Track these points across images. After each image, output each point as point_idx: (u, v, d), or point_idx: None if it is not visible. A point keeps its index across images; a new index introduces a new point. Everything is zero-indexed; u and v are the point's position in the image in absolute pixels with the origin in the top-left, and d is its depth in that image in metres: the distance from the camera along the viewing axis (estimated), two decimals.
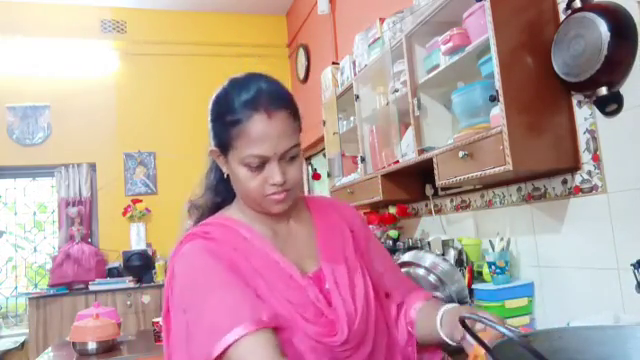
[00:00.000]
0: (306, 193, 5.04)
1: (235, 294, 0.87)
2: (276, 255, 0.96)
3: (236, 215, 1.03)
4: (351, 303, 0.97)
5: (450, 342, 0.96)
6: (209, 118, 1.00)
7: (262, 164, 0.93)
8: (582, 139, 1.62)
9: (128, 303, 4.25)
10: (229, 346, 0.80)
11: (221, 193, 1.07)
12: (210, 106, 1.00)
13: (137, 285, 4.35)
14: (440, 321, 0.98)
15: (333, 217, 1.10)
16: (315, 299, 0.93)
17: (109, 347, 2.32)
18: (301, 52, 4.89)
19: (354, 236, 1.08)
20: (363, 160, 2.71)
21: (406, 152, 2.26)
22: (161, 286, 4.35)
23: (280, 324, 0.87)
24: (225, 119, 0.94)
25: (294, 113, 0.97)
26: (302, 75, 4.89)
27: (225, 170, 1.00)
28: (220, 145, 0.97)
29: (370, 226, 2.90)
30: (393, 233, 2.77)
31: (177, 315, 0.92)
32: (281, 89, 0.98)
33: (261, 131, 0.91)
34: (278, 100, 0.94)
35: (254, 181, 0.94)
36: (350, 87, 2.84)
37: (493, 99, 1.59)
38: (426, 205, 2.59)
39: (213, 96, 1.00)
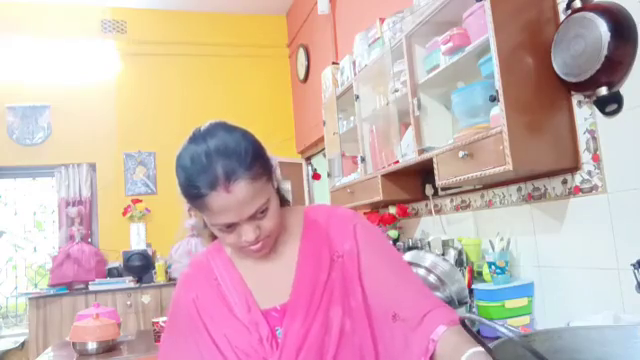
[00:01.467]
0: (306, 193, 5.04)
1: (173, 348, 1.04)
2: (237, 297, 1.01)
3: (224, 245, 1.08)
4: (302, 339, 0.95)
5: None
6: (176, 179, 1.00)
7: (232, 225, 0.94)
8: (582, 139, 1.62)
9: (128, 303, 4.25)
10: None
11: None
12: (175, 168, 0.99)
13: (137, 285, 4.35)
14: None
15: (319, 238, 1.04)
16: (258, 342, 0.96)
17: (109, 347, 2.33)
18: (301, 52, 4.89)
19: (338, 263, 1.01)
20: (363, 160, 2.71)
21: (406, 152, 2.26)
22: (161, 286, 4.36)
23: None
24: (189, 192, 0.94)
25: (257, 173, 0.93)
26: (302, 75, 4.89)
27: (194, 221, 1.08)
28: (191, 205, 0.97)
29: None
30: (393, 233, 2.77)
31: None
32: (240, 152, 0.92)
33: (222, 206, 0.91)
34: (236, 171, 0.90)
35: (229, 238, 0.97)
36: (350, 87, 2.84)
37: (493, 99, 1.59)
38: (426, 205, 2.59)
39: (177, 156, 1.00)
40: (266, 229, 0.96)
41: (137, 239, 4.67)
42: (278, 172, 1.01)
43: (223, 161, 0.91)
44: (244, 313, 0.99)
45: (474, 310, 1.86)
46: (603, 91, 1.50)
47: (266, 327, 0.97)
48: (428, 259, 1.86)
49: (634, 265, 0.74)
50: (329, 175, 3.27)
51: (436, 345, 0.88)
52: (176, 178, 0.99)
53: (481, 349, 0.78)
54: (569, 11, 1.59)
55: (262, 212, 0.95)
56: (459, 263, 2.04)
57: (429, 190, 2.49)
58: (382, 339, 0.98)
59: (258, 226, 0.95)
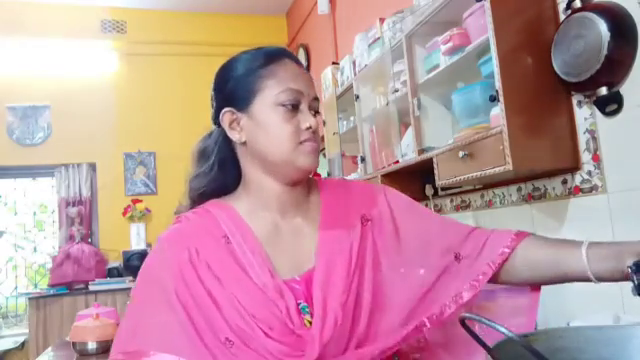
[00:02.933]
0: None
1: (152, 316, 0.84)
2: (254, 259, 0.87)
3: (237, 204, 0.94)
4: (339, 314, 0.84)
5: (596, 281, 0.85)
6: (220, 81, 0.96)
7: (296, 106, 0.89)
8: (582, 139, 1.62)
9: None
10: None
11: (221, 181, 0.97)
12: (221, 72, 0.96)
13: None
14: (586, 256, 0.83)
15: (343, 205, 0.96)
16: (285, 315, 0.82)
17: (109, 347, 2.31)
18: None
19: (367, 227, 0.94)
20: (363, 160, 2.71)
21: (406, 152, 2.26)
22: None
23: (216, 347, 0.80)
24: (252, 65, 0.91)
25: None
26: None
27: (238, 137, 0.91)
28: (240, 97, 0.90)
29: None
30: None
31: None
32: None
33: (294, 71, 0.91)
34: (299, 60, 0.96)
35: (288, 125, 0.87)
36: (350, 87, 2.84)
37: (493, 99, 1.59)
38: (426, 205, 2.59)
39: (225, 64, 0.97)
40: (319, 131, 0.92)
41: (137, 239, 4.67)
42: None
43: (285, 49, 0.96)
44: (266, 279, 0.85)
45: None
46: (603, 91, 1.50)
47: (292, 298, 0.84)
48: None
49: (631, 267, 0.73)
50: (329, 175, 3.27)
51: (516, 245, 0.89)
52: (218, 89, 0.95)
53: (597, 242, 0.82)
54: (569, 11, 1.59)
55: (316, 112, 0.92)
56: None
57: (429, 190, 2.49)
58: (440, 289, 0.91)
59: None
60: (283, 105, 0.88)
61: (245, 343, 0.81)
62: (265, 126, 0.89)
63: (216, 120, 0.96)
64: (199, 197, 0.97)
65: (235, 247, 0.88)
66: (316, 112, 0.92)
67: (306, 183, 0.97)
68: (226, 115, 0.92)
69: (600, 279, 0.84)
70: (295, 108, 0.89)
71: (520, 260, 0.90)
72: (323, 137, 3.34)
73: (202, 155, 0.98)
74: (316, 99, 0.92)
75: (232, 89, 0.92)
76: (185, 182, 0.99)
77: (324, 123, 3.29)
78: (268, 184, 0.92)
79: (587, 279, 0.85)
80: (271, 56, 0.92)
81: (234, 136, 0.92)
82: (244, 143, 0.92)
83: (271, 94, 0.88)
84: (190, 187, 0.97)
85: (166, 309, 0.83)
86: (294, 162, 0.88)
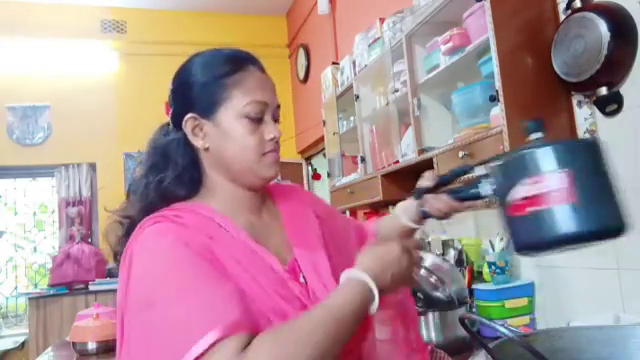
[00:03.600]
0: None
1: (212, 288, 0.74)
2: (254, 246, 0.87)
3: (207, 203, 0.92)
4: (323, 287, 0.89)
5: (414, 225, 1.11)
6: (183, 81, 0.93)
7: (260, 118, 0.90)
8: None
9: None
10: (201, 354, 0.68)
11: (187, 184, 0.93)
12: (183, 71, 0.94)
13: None
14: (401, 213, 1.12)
15: (296, 203, 1.03)
16: (299, 292, 0.85)
17: (109, 347, 2.32)
18: (301, 52, 4.89)
19: (321, 221, 1.02)
20: (363, 160, 2.71)
21: (406, 152, 2.26)
22: None
23: (260, 325, 0.76)
24: (216, 71, 0.90)
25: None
26: (302, 75, 4.89)
27: (200, 144, 0.91)
28: (204, 104, 0.89)
29: None
30: None
31: (138, 314, 0.76)
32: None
33: (259, 79, 0.92)
34: (262, 65, 0.97)
35: (253, 136, 0.89)
36: (350, 87, 2.84)
37: (493, 99, 1.59)
38: None
39: (186, 62, 0.95)
40: (279, 135, 0.93)
41: None
42: None
43: (249, 54, 0.96)
44: (271, 261, 0.86)
45: (474, 310, 1.86)
46: (603, 91, 1.50)
47: (295, 279, 0.88)
48: (428, 259, 1.86)
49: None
50: (329, 175, 3.27)
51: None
52: (180, 87, 0.93)
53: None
54: (569, 11, 1.59)
55: (276, 120, 0.94)
56: (459, 263, 2.04)
57: None
58: None
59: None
60: (248, 117, 0.89)
61: (280, 317, 0.79)
62: (230, 136, 0.89)
63: (176, 123, 0.94)
64: (161, 199, 0.91)
65: (234, 235, 0.87)
66: (276, 120, 0.95)
67: None
68: (189, 121, 0.91)
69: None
70: (260, 120, 0.90)
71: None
72: (322, 138, 3.35)
73: (164, 156, 0.95)
74: (278, 107, 0.95)
75: (196, 95, 0.91)
76: (138, 182, 0.95)
77: (324, 123, 3.29)
78: (233, 188, 0.94)
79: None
80: (237, 63, 0.92)
81: (197, 142, 0.92)
82: (207, 149, 0.92)
83: (237, 105, 0.89)
84: (152, 189, 0.92)
85: (216, 281, 0.76)
86: (257, 172, 0.91)
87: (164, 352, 0.71)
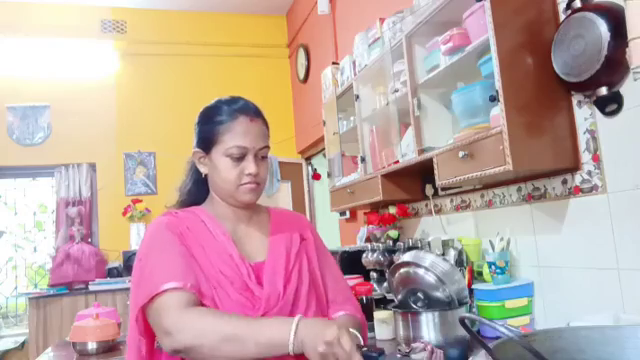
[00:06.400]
0: (306, 193, 5.04)
1: (176, 259, 1.11)
2: (225, 239, 1.18)
3: (205, 207, 1.28)
4: (280, 289, 1.16)
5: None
6: (197, 123, 1.26)
7: (242, 156, 1.18)
8: (582, 139, 1.62)
9: (128, 303, 4.24)
10: (157, 294, 1.05)
11: (194, 194, 1.31)
12: (199, 115, 1.26)
13: None
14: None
15: (287, 225, 1.31)
16: (247, 277, 1.14)
17: (109, 347, 2.32)
18: (301, 52, 4.89)
19: (304, 243, 1.29)
20: (363, 160, 2.71)
21: (406, 152, 2.26)
22: None
23: (205, 290, 1.10)
24: (215, 119, 1.21)
25: (267, 125, 1.26)
26: (302, 75, 4.89)
27: (204, 170, 1.26)
28: (205, 143, 1.22)
29: (370, 226, 2.90)
30: (393, 233, 2.77)
31: (135, 264, 1.17)
32: (259, 108, 1.26)
33: (244, 128, 1.19)
34: (257, 112, 1.24)
35: (233, 171, 1.19)
36: (350, 87, 2.84)
37: (493, 99, 1.59)
38: (426, 205, 2.59)
39: (202, 109, 1.27)
40: (262, 173, 1.22)
41: (137, 239, 4.67)
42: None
43: (249, 102, 1.25)
44: (232, 251, 1.17)
45: (474, 310, 1.86)
46: (603, 91, 1.50)
47: (250, 267, 1.16)
48: (428, 259, 1.86)
49: None
50: (329, 175, 3.27)
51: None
52: (196, 122, 1.26)
53: (346, 319, 1.23)
54: (569, 11, 1.59)
55: (263, 157, 1.22)
56: (459, 263, 2.04)
57: (429, 190, 2.49)
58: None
59: (257, 167, 1.20)
60: (231, 157, 1.18)
61: (210, 291, 1.11)
62: (218, 169, 1.21)
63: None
64: (185, 201, 1.32)
65: (211, 229, 1.20)
66: (263, 157, 1.22)
67: (256, 207, 1.31)
68: (196, 153, 1.26)
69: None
70: (241, 159, 1.19)
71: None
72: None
73: (189, 173, 1.34)
74: (263, 148, 1.21)
75: (201, 134, 1.24)
76: (180, 186, 1.35)
77: (324, 123, 3.29)
78: (223, 203, 1.26)
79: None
80: (230, 114, 1.20)
81: (201, 168, 1.27)
82: (207, 175, 1.26)
83: (223, 147, 1.19)
84: (181, 193, 1.34)
85: (175, 251, 1.13)
86: (236, 197, 1.22)
87: (144, 287, 1.09)
